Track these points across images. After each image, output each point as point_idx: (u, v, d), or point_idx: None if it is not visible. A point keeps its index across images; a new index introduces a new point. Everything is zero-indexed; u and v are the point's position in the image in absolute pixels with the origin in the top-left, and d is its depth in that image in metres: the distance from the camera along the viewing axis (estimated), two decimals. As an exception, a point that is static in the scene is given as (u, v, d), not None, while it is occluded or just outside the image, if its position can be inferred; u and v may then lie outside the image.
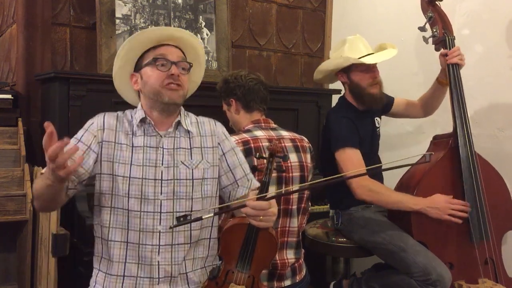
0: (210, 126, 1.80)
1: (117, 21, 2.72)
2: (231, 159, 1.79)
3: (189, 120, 1.78)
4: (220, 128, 1.83)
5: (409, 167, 2.40)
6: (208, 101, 2.41)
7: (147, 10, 2.84)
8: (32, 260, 2.36)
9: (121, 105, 2.46)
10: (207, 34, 3.02)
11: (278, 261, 2.06)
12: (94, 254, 1.74)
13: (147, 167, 1.66)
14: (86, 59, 2.80)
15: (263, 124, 2.18)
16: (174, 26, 2.91)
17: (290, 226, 2.11)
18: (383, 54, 2.41)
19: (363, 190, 2.26)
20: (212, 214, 1.64)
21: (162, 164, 1.68)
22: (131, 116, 1.74)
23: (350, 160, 2.30)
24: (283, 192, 2.04)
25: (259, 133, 2.12)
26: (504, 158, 2.50)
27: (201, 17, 3.01)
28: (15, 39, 2.73)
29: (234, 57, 3.19)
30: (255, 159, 2.01)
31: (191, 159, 1.71)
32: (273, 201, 1.63)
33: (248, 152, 2.03)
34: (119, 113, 1.76)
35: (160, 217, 1.65)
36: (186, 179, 1.69)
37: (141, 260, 1.64)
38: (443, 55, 2.33)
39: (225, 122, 2.34)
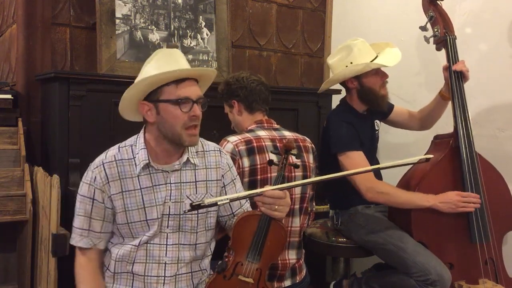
0: (215, 157, 1.79)
1: (117, 21, 2.71)
2: (230, 191, 1.80)
3: (194, 149, 1.75)
4: (225, 158, 1.81)
5: (410, 166, 2.41)
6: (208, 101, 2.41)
7: (147, 10, 2.83)
8: (32, 260, 2.36)
9: (121, 105, 2.48)
10: (207, 34, 3.02)
11: (279, 261, 2.06)
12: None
13: (160, 206, 1.67)
14: (86, 59, 2.80)
15: (265, 125, 2.19)
16: (174, 26, 2.91)
17: (292, 225, 2.12)
18: (392, 54, 2.40)
19: (373, 192, 2.26)
20: (228, 201, 1.66)
21: (170, 199, 1.68)
22: (132, 153, 1.68)
23: (357, 164, 2.28)
24: (297, 183, 2.04)
25: (261, 133, 2.12)
26: (504, 158, 2.50)
27: (201, 17, 3.01)
28: (15, 39, 2.72)
29: (234, 57, 3.18)
30: (257, 158, 2.04)
31: (196, 193, 1.71)
32: (287, 192, 1.67)
33: (250, 151, 2.04)
34: (115, 154, 1.68)
35: (166, 249, 1.67)
36: (192, 214, 1.69)
37: None
38: (446, 69, 2.32)
39: (227, 123, 2.34)
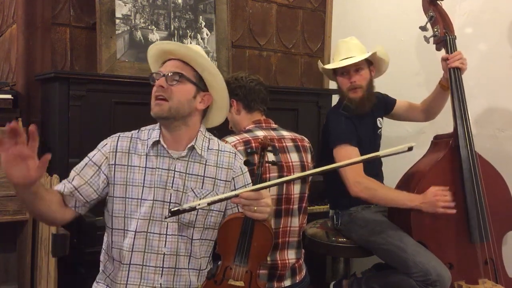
0: (229, 158, 1.77)
1: (117, 21, 2.72)
2: None
3: (207, 145, 1.75)
4: (238, 162, 1.79)
5: (410, 166, 2.41)
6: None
7: (147, 10, 2.83)
8: (32, 260, 2.37)
9: (121, 105, 2.49)
10: (207, 34, 3.02)
11: (279, 262, 2.06)
12: (101, 269, 1.75)
13: (157, 189, 1.67)
14: (86, 59, 2.80)
15: (263, 124, 2.18)
16: (174, 26, 2.91)
17: (292, 226, 2.11)
18: (351, 60, 2.41)
19: (359, 187, 2.26)
20: (206, 204, 1.62)
21: (172, 186, 1.68)
22: (148, 135, 1.73)
23: (349, 157, 2.28)
24: (276, 182, 1.97)
25: (260, 133, 2.12)
26: (504, 158, 2.50)
27: (201, 17, 3.01)
28: (15, 39, 2.73)
29: (234, 57, 3.18)
30: (256, 158, 2.01)
31: (202, 188, 1.71)
32: (266, 192, 1.63)
33: (249, 152, 2.03)
34: (134, 133, 1.75)
35: (166, 239, 1.67)
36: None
37: (143, 282, 1.65)
38: (444, 60, 2.33)
39: (228, 123, 2.34)
